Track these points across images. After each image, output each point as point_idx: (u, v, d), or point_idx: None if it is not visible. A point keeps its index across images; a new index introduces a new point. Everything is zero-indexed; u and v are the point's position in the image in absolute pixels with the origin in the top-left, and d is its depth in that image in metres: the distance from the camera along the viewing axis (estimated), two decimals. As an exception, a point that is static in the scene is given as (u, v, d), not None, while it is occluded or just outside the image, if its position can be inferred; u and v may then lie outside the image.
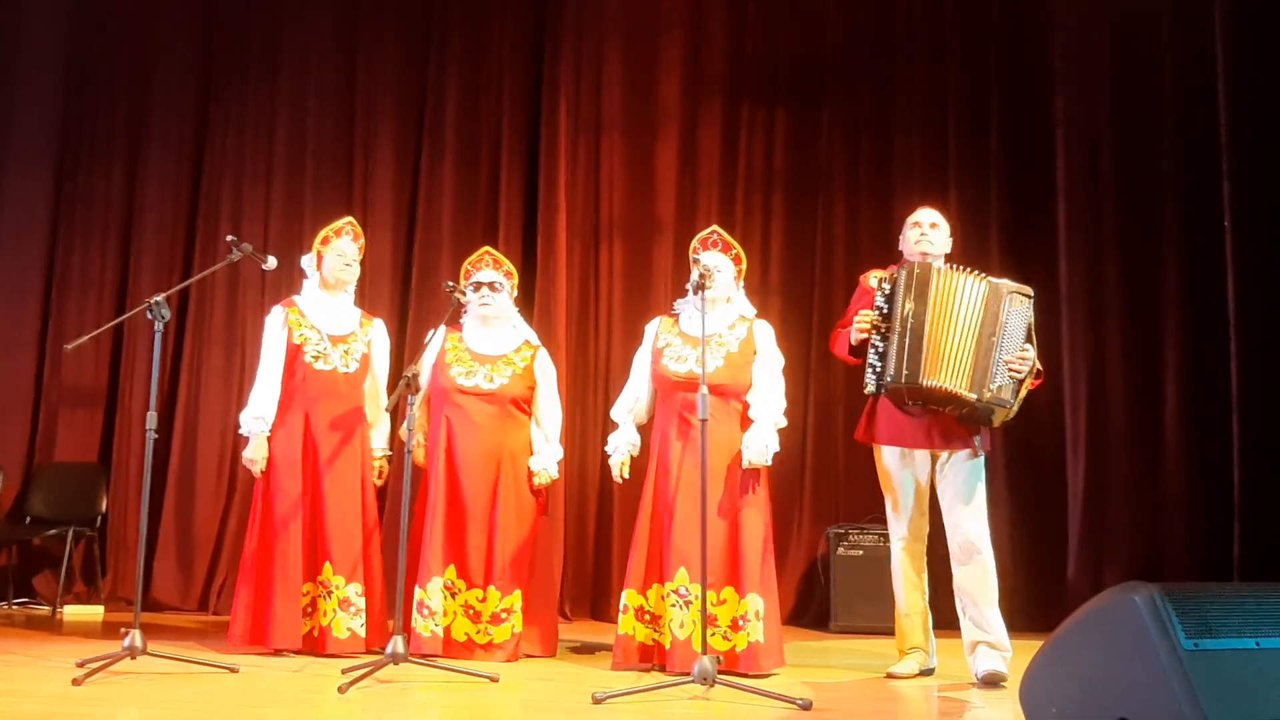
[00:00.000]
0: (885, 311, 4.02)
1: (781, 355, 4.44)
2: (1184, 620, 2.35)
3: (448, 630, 4.45)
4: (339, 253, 4.69)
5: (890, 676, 4.10)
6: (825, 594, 5.88)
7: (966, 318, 3.97)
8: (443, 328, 4.71)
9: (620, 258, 6.48)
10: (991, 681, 3.94)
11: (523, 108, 6.58)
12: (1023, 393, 4.02)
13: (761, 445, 4.20)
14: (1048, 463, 6.03)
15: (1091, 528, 5.87)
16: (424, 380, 4.66)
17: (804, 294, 6.43)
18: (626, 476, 4.43)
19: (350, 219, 4.87)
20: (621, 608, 4.27)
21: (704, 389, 3.82)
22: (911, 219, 4.33)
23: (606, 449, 4.50)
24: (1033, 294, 4.06)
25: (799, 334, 6.24)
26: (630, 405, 4.49)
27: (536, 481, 4.63)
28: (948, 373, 3.93)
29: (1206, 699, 2.26)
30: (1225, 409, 5.51)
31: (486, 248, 4.99)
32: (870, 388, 4.04)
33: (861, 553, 5.72)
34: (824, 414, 6.26)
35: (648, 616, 4.24)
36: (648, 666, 4.20)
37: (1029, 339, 4.02)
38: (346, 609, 4.41)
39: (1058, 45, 6.26)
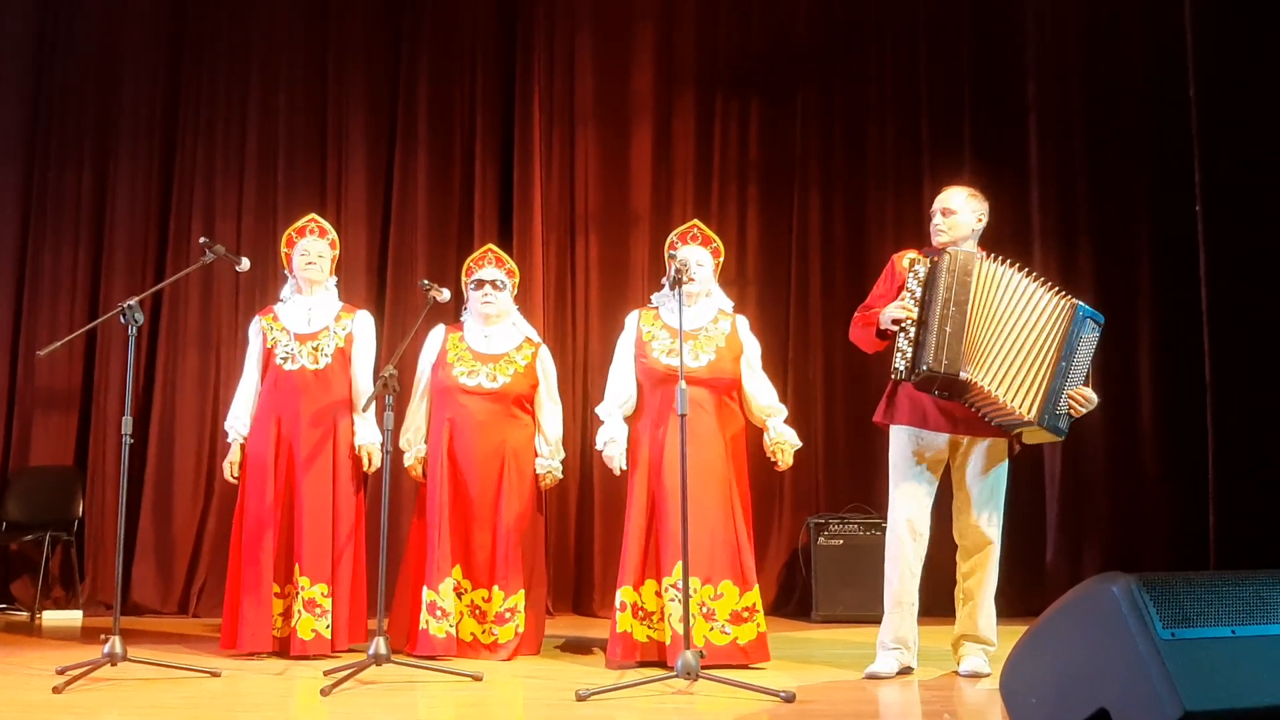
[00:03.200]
0: (919, 297, 3.87)
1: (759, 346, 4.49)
2: (1161, 609, 2.36)
3: (455, 630, 4.44)
4: (302, 251, 4.68)
5: (872, 677, 3.95)
6: (807, 584, 5.91)
7: (1027, 323, 3.81)
8: (441, 327, 4.71)
9: (596, 250, 6.47)
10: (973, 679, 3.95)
11: (496, 100, 6.55)
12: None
13: (790, 444, 4.35)
14: (1024, 450, 6.04)
15: (1069, 513, 5.92)
16: (424, 379, 4.67)
17: (780, 283, 6.45)
18: (625, 467, 4.38)
19: (313, 216, 4.84)
20: (618, 605, 4.25)
21: (682, 384, 3.83)
22: (934, 205, 4.13)
23: (598, 445, 4.45)
24: (1104, 321, 3.90)
25: (776, 324, 6.25)
26: (622, 401, 4.44)
27: (544, 484, 4.64)
28: (991, 373, 3.77)
29: (1184, 687, 2.27)
30: (1199, 394, 5.54)
31: (490, 245, 4.97)
32: (900, 374, 3.88)
33: (842, 542, 5.75)
34: (802, 404, 6.27)
35: (642, 613, 4.24)
36: (634, 664, 4.18)
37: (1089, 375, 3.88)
38: (312, 610, 4.38)
39: (1029, 31, 6.29)
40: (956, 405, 3.91)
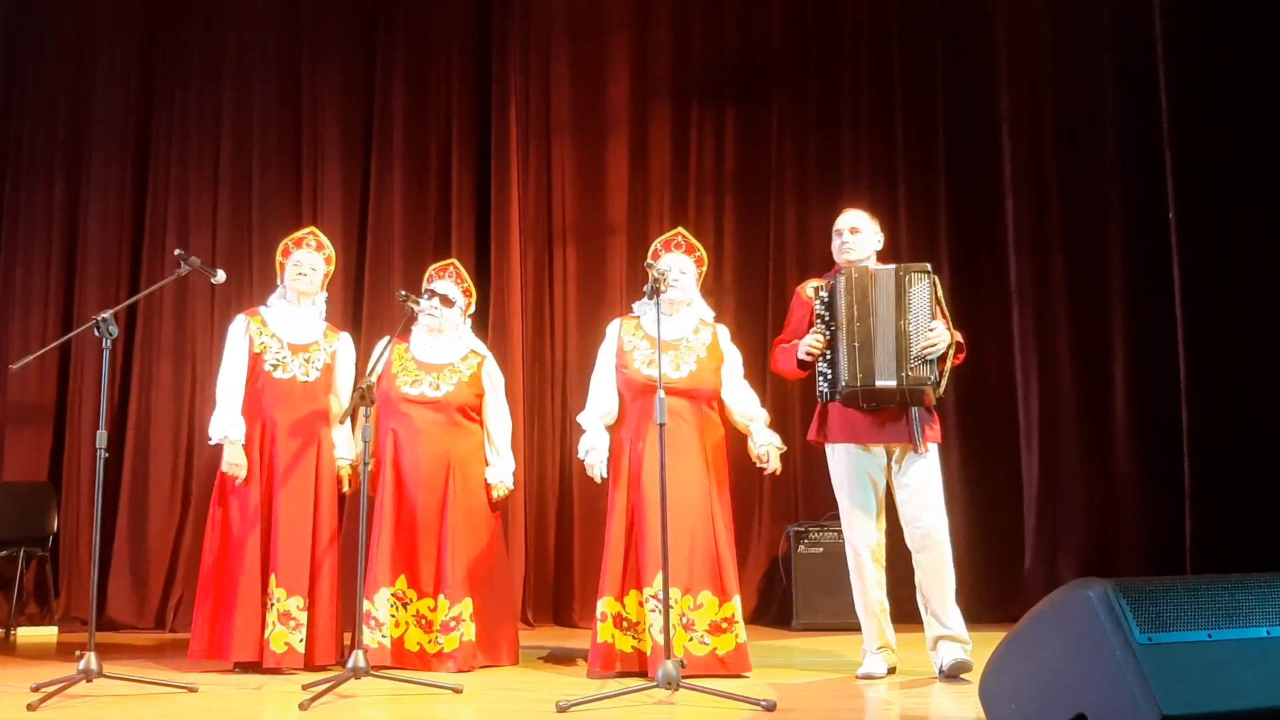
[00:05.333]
0: (827, 319, 4.11)
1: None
2: (1137, 614, 2.38)
3: (401, 640, 4.43)
4: (295, 262, 4.65)
5: (866, 678, 4.09)
6: (787, 592, 5.92)
7: (889, 310, 4.06)
8: (387, 338, 4.68)
9: (574, 261, 6.47)
10: (957, 672, 3.98)
11: (471, 112, 6.54)
12: (945, 368, 4.10)
13: (776, 446, 4.36)
14: (1002, 455, 6.10)
15: (1047, 518, 5.95)
16: None
17: (758, 293, 6.46)
18: (606, 476, 4.38)
19: (312, 229, 4.84)
20: (599, 615, 4.23)
21: (661, 393, 3.83)
22: (835, 226, 4.37)
23: (580, 454, 4.44)
24: (929, 267, 4.14)
25: (754, 333, 6.25)
26: (603, 411, 4.43)
27: (495, 495, 4.63)
28: (889, 369, 4.01)
29: (1161, 691, 2.29)
30: (1174, 398, 5.59)
31: (453, 260, 4.97)
32: (825, 396, 4.12)
33: (822, 550, 5.75)
34: (781, 413, 6.23)
35: (625, 624, 4.22)
36: (615, 674, 4.18)
37: (937, 313, 4.09)
38: (286, 623, 4.34)
39: (1001, 42, 6.33)
40: (886, 415, 4.10)
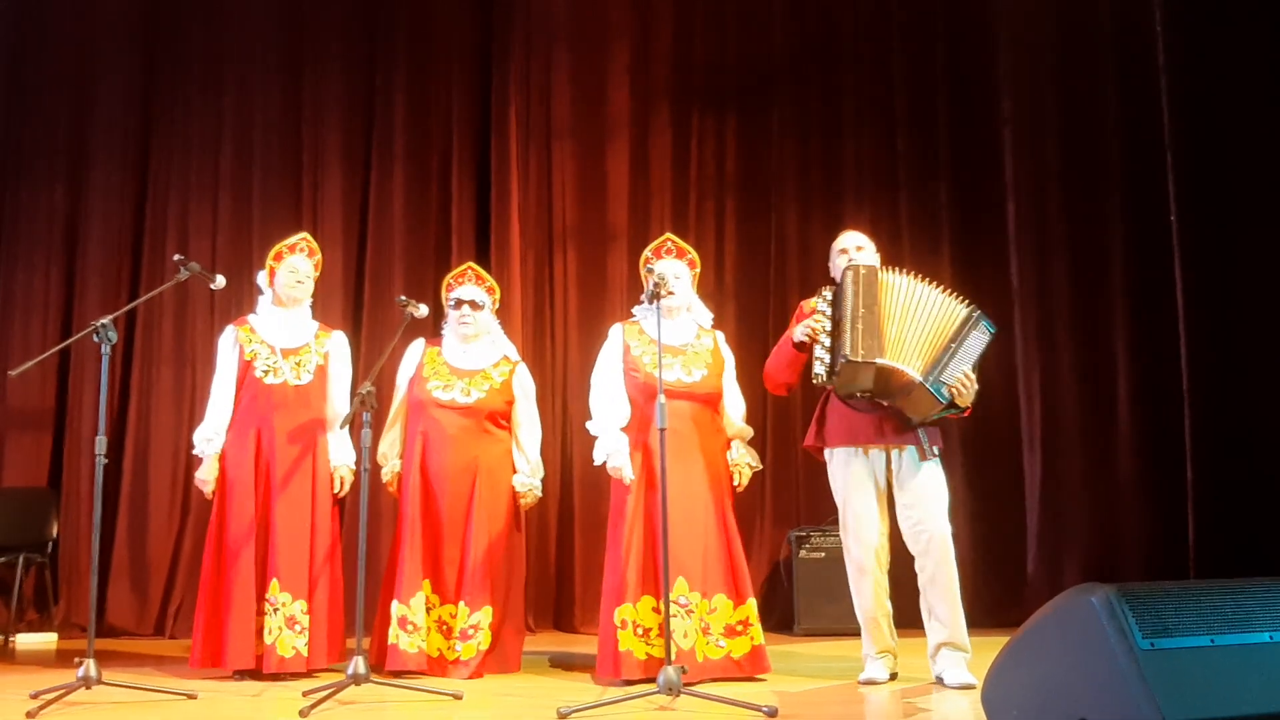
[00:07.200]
0: (831, 314, 4.08)
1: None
2: (1140, 620, 2.37)
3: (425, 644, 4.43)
4: (290, 269, 4.64)
5: (868, 683, 4.08)
6: (788, 597, 5.91)
7: (928, 318, 4.02)
8: (420, 341, 4.70)
9: (574, 266, 6.48)
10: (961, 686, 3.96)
11: (472, 118, 6.55)
12: (951, 408, 4.06)
13: (749, 465, 4.38)
14: (1005, 458, 6.09)
15: (1049, 522, 5.95)
16: (401, 393, 4.68)
17: (759, 298, 6.46)
18: (634, 476, 4.29)
19: (305, 235, 4.82)
20: (619, 623, 4.15)
21: (661, 397, 3.82)
22: (837, 245, 4.39)
23: (598, 460, 4.35)
24: (994, 333, 4.12)
25: (755, 338, 6.25)
26: (620, 417, 4.35)
27: (524, 502, 4.63)
28: (904, 355, 3.96)
29: (1163, 697, 2.28)
30: (1176, 402, 5.59)
31: (470, 263, 4.96)
32: (821, 378, 4.03)
33: (824, 555, 5.75)
34: (782, 418, 6.28)
35: (640, 630, 4.17)
36: (636, 681, 4.14)
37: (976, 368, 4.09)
38: (292, 627, 4.33)
39: (1003, 46, 6.33)
40: (883, 416, 4.07)
